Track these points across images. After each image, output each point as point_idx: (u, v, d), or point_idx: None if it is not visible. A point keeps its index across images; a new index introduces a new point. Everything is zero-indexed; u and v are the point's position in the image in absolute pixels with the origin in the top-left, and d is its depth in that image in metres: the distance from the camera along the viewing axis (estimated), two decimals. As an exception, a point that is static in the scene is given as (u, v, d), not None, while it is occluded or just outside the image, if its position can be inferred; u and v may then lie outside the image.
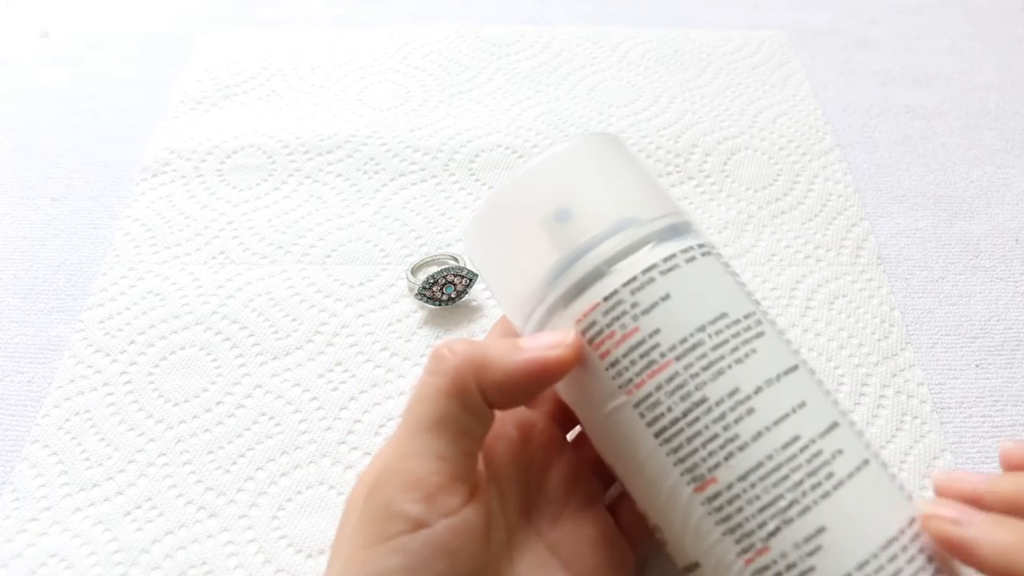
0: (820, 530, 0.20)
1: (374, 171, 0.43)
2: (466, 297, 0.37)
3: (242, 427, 0.33)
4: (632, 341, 0.22)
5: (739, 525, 0.21)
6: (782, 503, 0.20)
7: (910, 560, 0.20)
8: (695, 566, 0.22)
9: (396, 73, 0.49)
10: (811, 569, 0.20)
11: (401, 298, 0.37)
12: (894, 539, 0.20)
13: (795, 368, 0.22)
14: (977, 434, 0.33)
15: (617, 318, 0.22)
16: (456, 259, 0.38)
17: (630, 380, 0.22)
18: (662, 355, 0.22)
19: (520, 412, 0.27)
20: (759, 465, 0.21)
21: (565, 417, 0.28)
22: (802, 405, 0.21)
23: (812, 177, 0.43)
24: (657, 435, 0.22)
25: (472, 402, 0.22)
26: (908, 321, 0.37)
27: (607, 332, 0.22)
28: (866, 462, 0.21)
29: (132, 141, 0.46)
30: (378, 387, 0.34)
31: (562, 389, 0.25)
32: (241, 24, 0.54)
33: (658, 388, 0.22)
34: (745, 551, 0.20)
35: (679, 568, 0.23)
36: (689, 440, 0.21)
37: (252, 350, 0.35)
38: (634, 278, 0.22)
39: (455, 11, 0.55)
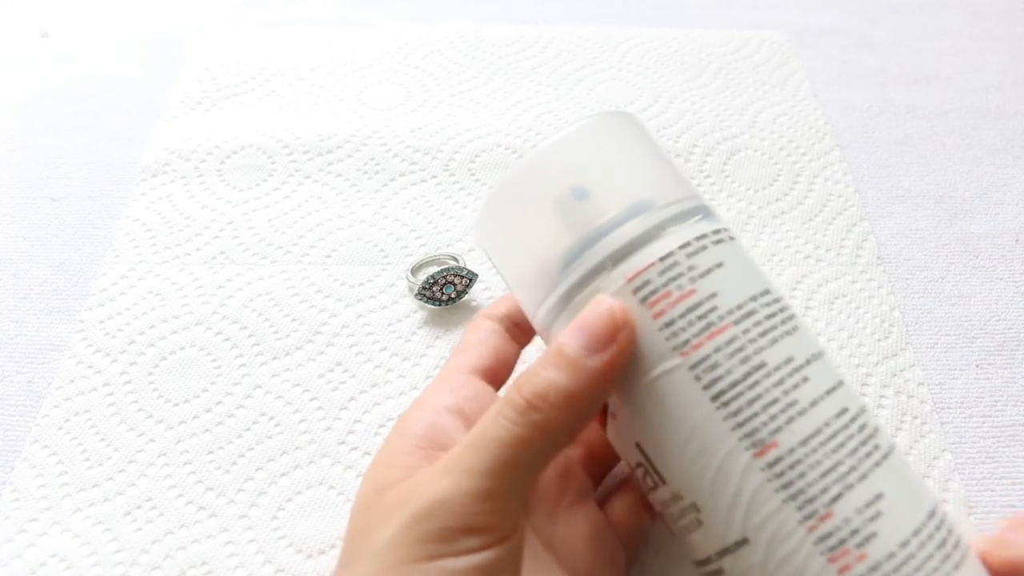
0: (878, 496, 0.20)
1: (374, 171, 0.43)
2: (466, 297, 0.37)
3: (242, 427, 0.33)
4: (689, 303, 0.21)
5: (801, 491, 0.20)
6: (842, 468, 0.20)
7: (950, 531, 0.21)
8: (740, 544, 0.21)
9: (396, 73, 0.49)
10: (873, 535, 0.20)
11: (401, 298, 0.37)
12: (935, 510, 0.21)
13: (824, 352, 0.23)
14: (977, 434, 0.33)
15: (673, 279, 0.22)
16: (456, 259, 0.38)
17: (687, 341, 0.21)
18: (720, 318, 0.21)
19: None
20: (818, 431, 0.21)
21: None
22: (840, 384, 0.22)
23: (812, 177, 0.43)
24: (715, 398, 0.21)
25: (558, 449, 0.22)
26: (908, 321, 0.37)
27: (663, 292, 0.22)
28: (893, 443, 0.22)
29: (132, 141, 0.46)
30: (378, 387, 0.34)
31: None
32: (241, 24, 0.54)
33: (717, 350, 0.21)
34: (808, 518, 0.20)
35: (707, 556, 0.22)
36: (750, 403, 0.21)
37: (252, 350, 0.35)
38: (688, 243, 0.22)
39: (455, 11, 0.55)
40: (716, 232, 0.23)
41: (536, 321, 0.25)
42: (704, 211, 0.24)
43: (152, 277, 0.38)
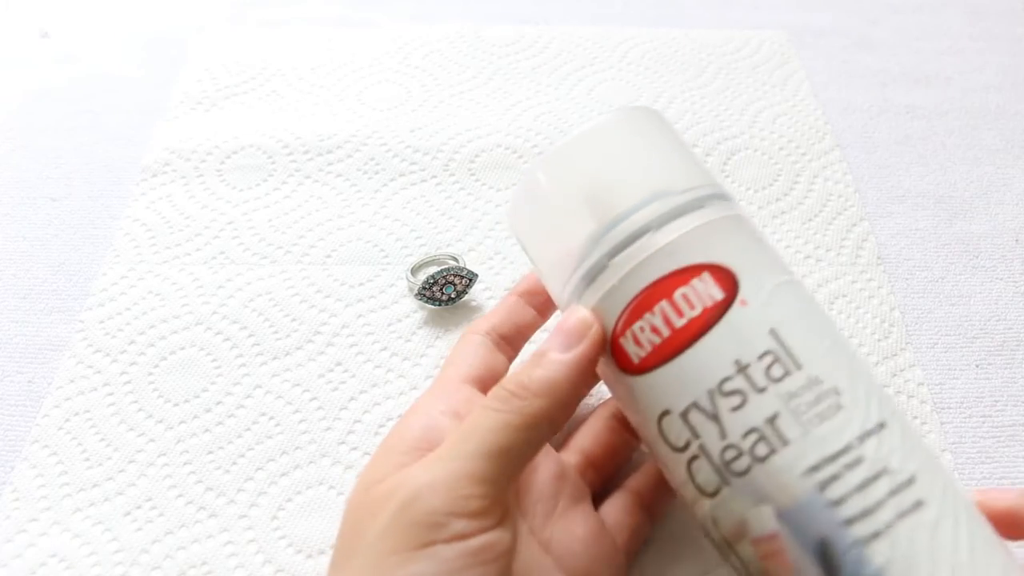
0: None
1: (374, 171, 0.43)
2: (466, 297, 0.37)
3: (242, 427, 0.33)
4: None
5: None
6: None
7: None
8: (880, 427, 0.22)
9: (396, 73, 0.49)
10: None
11: (401, 298, 0.37)
12: None
13: None
14: (977, 434, 0.33)
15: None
16: (456, 259, 0.38)
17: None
18: None
19: None
20: None
21: None
22: None
23: (812, 177, 0.43)
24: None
25: (543, 437, 0.23)
26: (908, 321, 0.37)
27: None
28: None
29: (132, 141, 0.46)
30: (378, 387, 0.34)
31: (736, 254, 0.24)
32: (241, 24, 0.54)
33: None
34: (915, 416, 0.24)
35: (846, 444, 0.21)
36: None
37: (252, 350, 0.35)
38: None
39: (455, 11, 0.55)
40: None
41: (562, 299, 0.26)
42: (728, 197, 0.26)
43: (152, 277, 0.38)
